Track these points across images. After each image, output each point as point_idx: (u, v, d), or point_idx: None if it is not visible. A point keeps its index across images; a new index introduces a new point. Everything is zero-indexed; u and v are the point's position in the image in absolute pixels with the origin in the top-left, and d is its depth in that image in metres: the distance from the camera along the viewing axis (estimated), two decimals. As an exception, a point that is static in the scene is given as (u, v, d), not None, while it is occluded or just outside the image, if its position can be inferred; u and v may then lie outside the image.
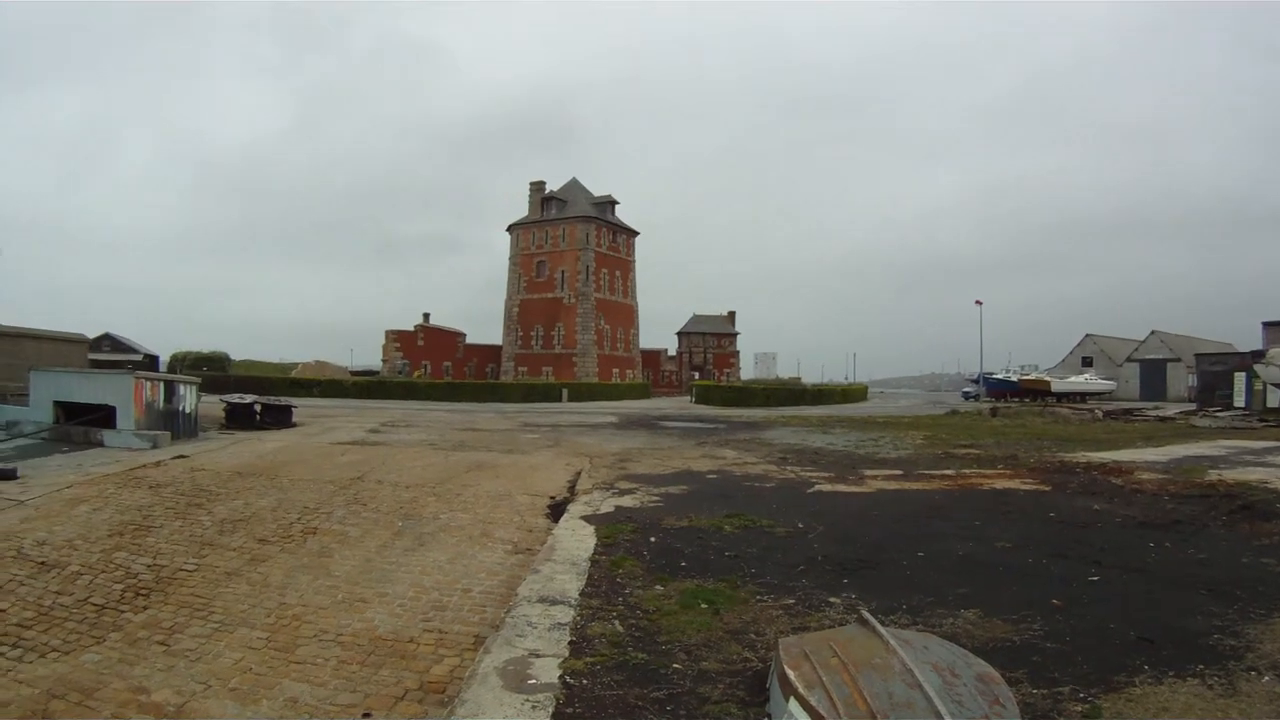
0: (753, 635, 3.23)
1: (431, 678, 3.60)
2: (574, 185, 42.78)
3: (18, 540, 5.74)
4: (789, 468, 8.72)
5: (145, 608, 4.69)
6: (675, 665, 2.92)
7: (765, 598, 3.74)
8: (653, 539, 5.13)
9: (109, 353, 37.15)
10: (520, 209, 42.17)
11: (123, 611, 4.62)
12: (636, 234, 43.32)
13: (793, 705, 2.08)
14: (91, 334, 24.63)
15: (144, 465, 9.15)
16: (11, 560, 5.32)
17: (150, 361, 36.09)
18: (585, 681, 2.77)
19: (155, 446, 10.92)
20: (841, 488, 7.01)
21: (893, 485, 7.04)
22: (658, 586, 3.99)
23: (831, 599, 3.68)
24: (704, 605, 3.61)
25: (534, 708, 2.54)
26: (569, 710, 2.51)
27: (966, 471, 7.85)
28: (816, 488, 7.06)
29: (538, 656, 3.05)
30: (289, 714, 3.31)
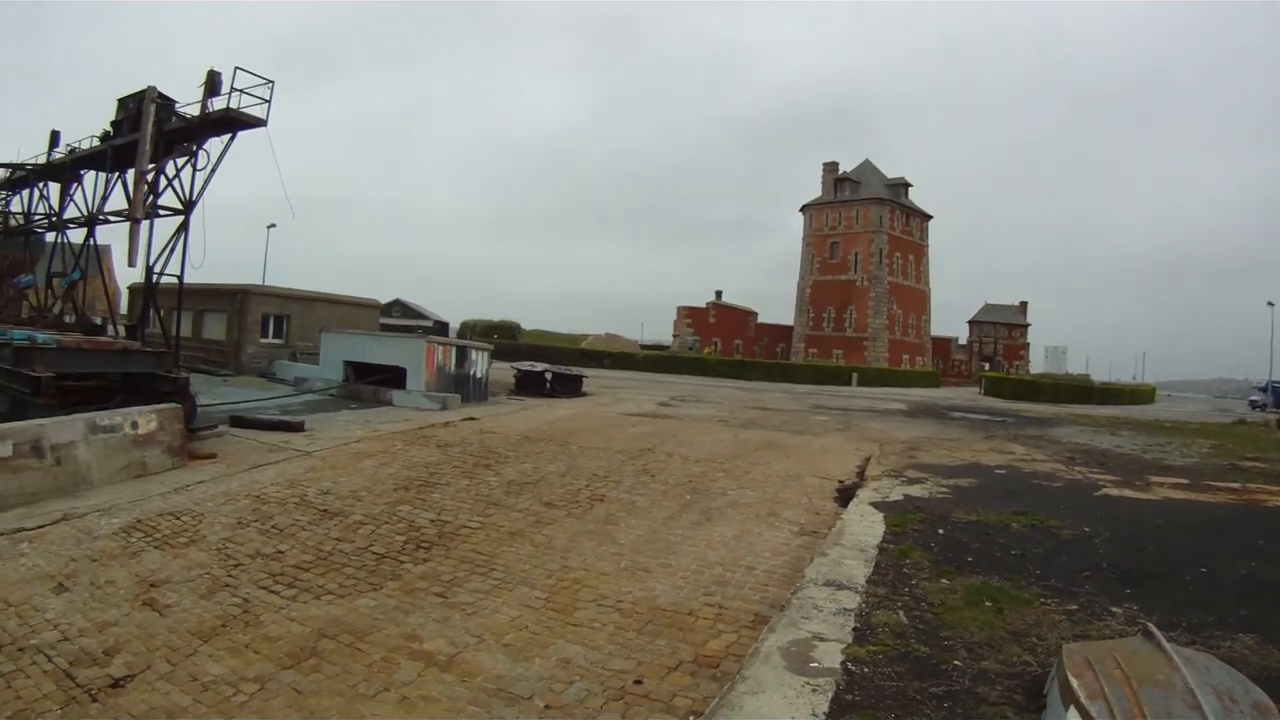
0: (1034, 639, 6.27)
1: (706, 651, 6.84)
2: (867, 167, 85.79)
3: (302, 488, 12.52)
4: (1076, 468, 16.31)
5: (425, 560, 9.48)
6: (955, 662, 5.72)
7: (1048, 601, 7.28)
8: (940, 531, 9.84)
9: (399, 317, 78.03)
10: (813, 195, 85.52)
11: (402, 562, 9.39)
12: (930, 218, 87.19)
13: (1072, 714, 4.16)
14: (384, 300, 45.52)
15: (432, 425, 19.03)
16: (295, 506, 11.55)
17: (440, 328, 73.71)
18: (866, 669, 5.49)
19: (444, 408, 22.80)
20: (1128, 492, 13.36)
21: (1178, 494, 13.37)
22: (943, 580, 7.73)
23: (1114, 609, 7.08)
24: (988, 603, 7.07)
25: (814, 691, 5.12)
26: (848, 697, 5.05)
27: (1252, 486, 14.64)
28: (1103, 490, 13.49)
29: (821, 640, 6.00)
30: (560, 674, 6.55)
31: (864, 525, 9.89)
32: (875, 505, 11.19)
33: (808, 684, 5.15)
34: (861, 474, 14.20)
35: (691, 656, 6.67)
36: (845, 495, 12.32)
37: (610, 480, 13.23)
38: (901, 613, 6.64)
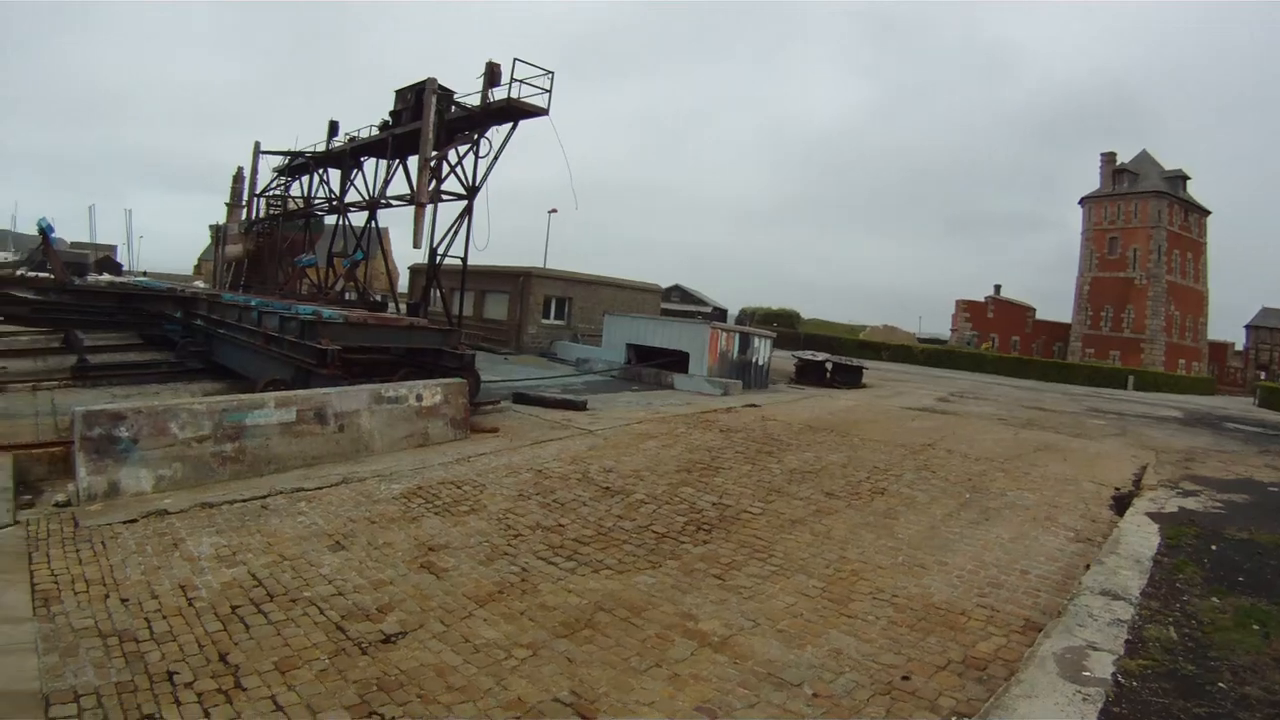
0: (1298, 667, 6.81)
1: (975, 653, 7.04)
2: (1144, 158, 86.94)
3: (584, 465, 13.18)
4: (1353, 490, 16.93)
5: (705, 542, 9.83)
6: (1220, 684, 5.91)
7: (1316, 630, 7.78)
8: (1213, 547, 9.99)
9: (678, 303, 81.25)
10: (1091, 189, 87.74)
11: (682, 542, 9.76)
12: (1208, 213, 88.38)
13: None
14: (664, 285, 47.49)
15: (714, 410, 19.05)
16: (576, 482, 12.16)
17: (719, 314, 77.84)
18: (1135, 684, 5.73)
19: (726, 394, 24.09)
20: None
21: None
22: (1214, 599, 7.94)
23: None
24: (1255, 626, 7.17)
25: (1084, 700, 5.42)
26: (1116, 710, 5.34)
27: None
28: (1384, 517, 13.97)
29: (1094, 649, 6.28)
30: (830, 663, 6.79)
31: (1139, 536, 10.19)
32: (1150, 516, 11.44)
33: (1079, 692, 5.46)
34: (1137, 482, 14.42)
35: (960, 657, 6.92)
36: (1121, 503, 12.57)
37: (891, 474, 13.69)
38: (1172, 629, 6.89)
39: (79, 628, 6.59)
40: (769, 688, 6.21)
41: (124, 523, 9.20)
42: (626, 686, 6.04)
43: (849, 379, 30.43)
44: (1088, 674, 5.71)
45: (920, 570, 9.01)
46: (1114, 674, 5.74)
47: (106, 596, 7.24)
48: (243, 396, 12.87)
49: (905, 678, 6.44)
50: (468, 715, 5.58)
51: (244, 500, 10.18)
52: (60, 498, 10.09)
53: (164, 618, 6.88)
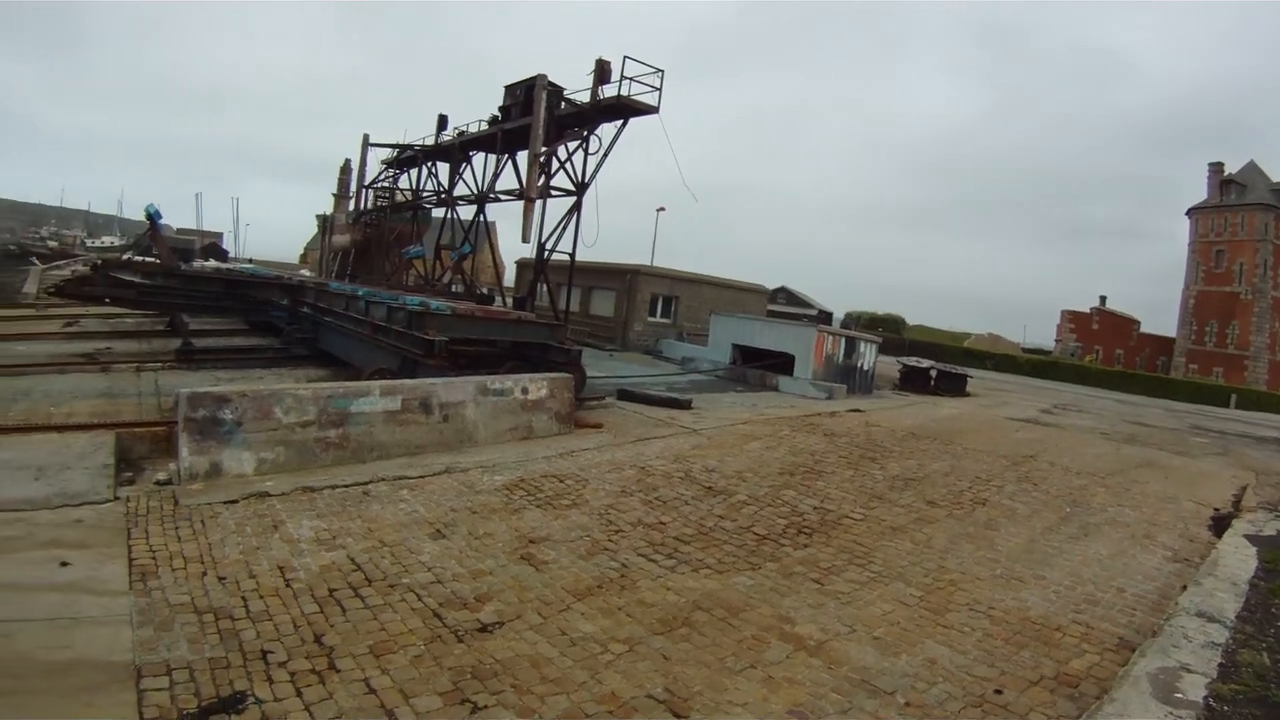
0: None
1: (1069, 670, 7.10)
2: (1251, 168, 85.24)
3: (687, 464, 13.25)
4: None
5: (805, 545, 9.90)
6: None
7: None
8: None
9: (784, 304, 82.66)
10: (1198, 200, 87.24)
11: (782, 545, 9.83)
12: None
13: None
14: (769, 286, 48.05)
15: (818, 414, 19.06)
16: (679, 480, 12.25)
17: (824, 317, 77.52)
18: (1226, 708, 5.68)
19: (830, 398, 24.02)
20: None
21: None
22: None
23: None
24: None
25: None
26: None
27: None
28: None
29: (1188, 671, 6.21)
30: (924, 673, 6.84)
31: (1237, 558, 10.06)
32: (1249, 538, 11.23)
33: (1171, 714, 5.49)
34: (1237, 503, 14.20)
35: (1053, 673, 6.99)
36: (1219, 524, 12.48)
37: (992, 484, 13.75)
38: (1265, 654, 6.79)
39: (175, 603, 6.88)
40: (862, 694, 6.30)
41: (224, 503, 9.54)
42: (720, 686, 6.12)
43: (953, 387, 29.87)
44: (1180, 695, 5.75)
45: (1018, 583, 9.12)
46: (1206, 697, 5.76)
47: (204, 574, 7.53)
48: (348, 384, 13.28)
49: (998, 691, 6.55)
50: (560, 707, 5.68)
51: (346, 486, 10.48)
52: (161, 476, 10.50)
53: (261, 597, 7.14)
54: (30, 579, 7.13)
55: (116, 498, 9.47)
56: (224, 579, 7.51)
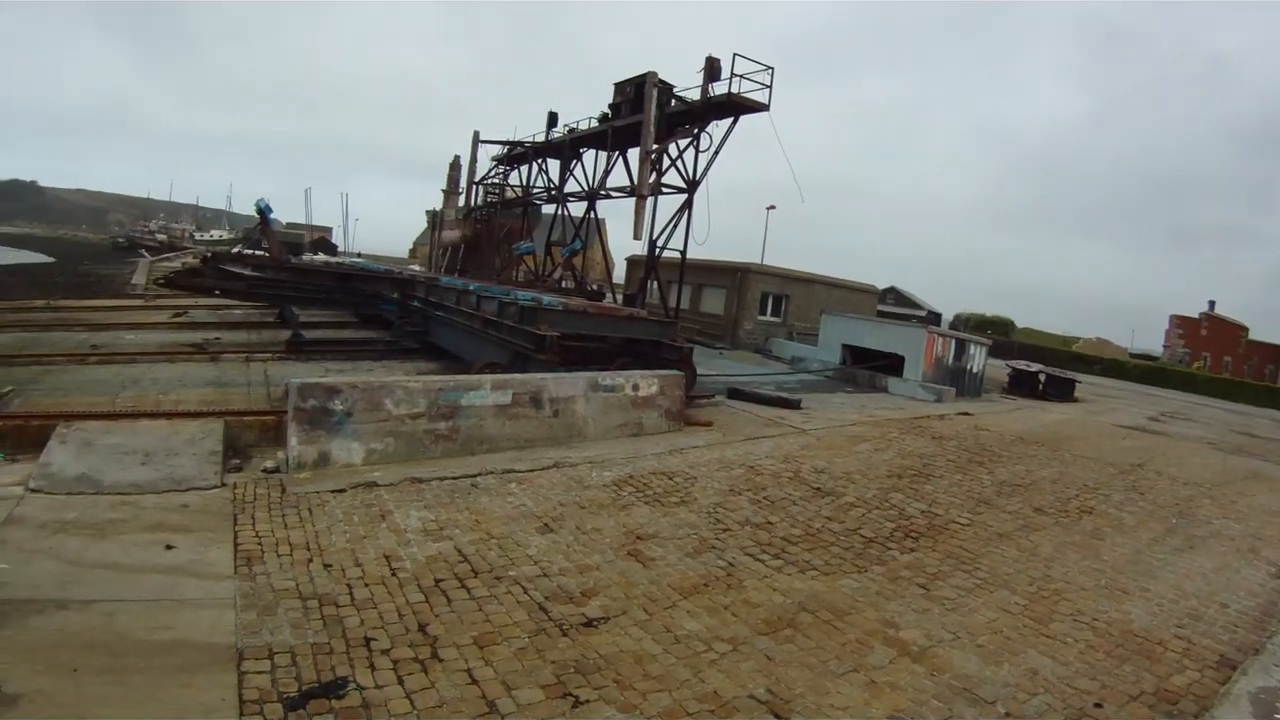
0: None
1: (1169, 685, 7.09)
2: None
3: (796, 464, 13.39)
4: None
5: (912, 550, 9.98)
6: None
7: None
8: None
9: (893, 305, 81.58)
10: None
11: (889, 549, 9.92)
12: None
13: None
14: (879, 286, 55.34)
15: (927, 416, 19.03)
16: (788, 481, 12.38)
17: (933, 318, 76.25)
18: None
19: (939, 400, 24.08)
20: None
21: None
22: None
23: None
24: None
25: None
26: None
27: None
28: None
29: None
30: (1026, 683, 6.88)
31: None
32: None
33: None
34: None
35: (1153, 688, 6.98)
36: None
37: (1099, 493, 13.73)
38: None
39: (279, 588, 7.18)
40: (963, 702, 6.38)
41: (332, 492, 9.88)
42: (822, 689, 6.23)
43: (1061, 392, 29.58)
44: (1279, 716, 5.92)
45: (1122, 595, 9.13)
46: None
47: (309, 561, 7.83)
48: (459, 377, 13.63)
49: (1098, 705, 6.55)
50: (662, 704, 5.83)
51: (454, 478, 10.77)
52: (269, 464, 10.93)
53: (366, 585, 7.40)
54: (134, 561, 7.52)
55: (223, 484, 9.94)
56: (329, 566, 7.79)
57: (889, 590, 8.50)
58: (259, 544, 8.14)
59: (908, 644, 7.26)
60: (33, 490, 9.07)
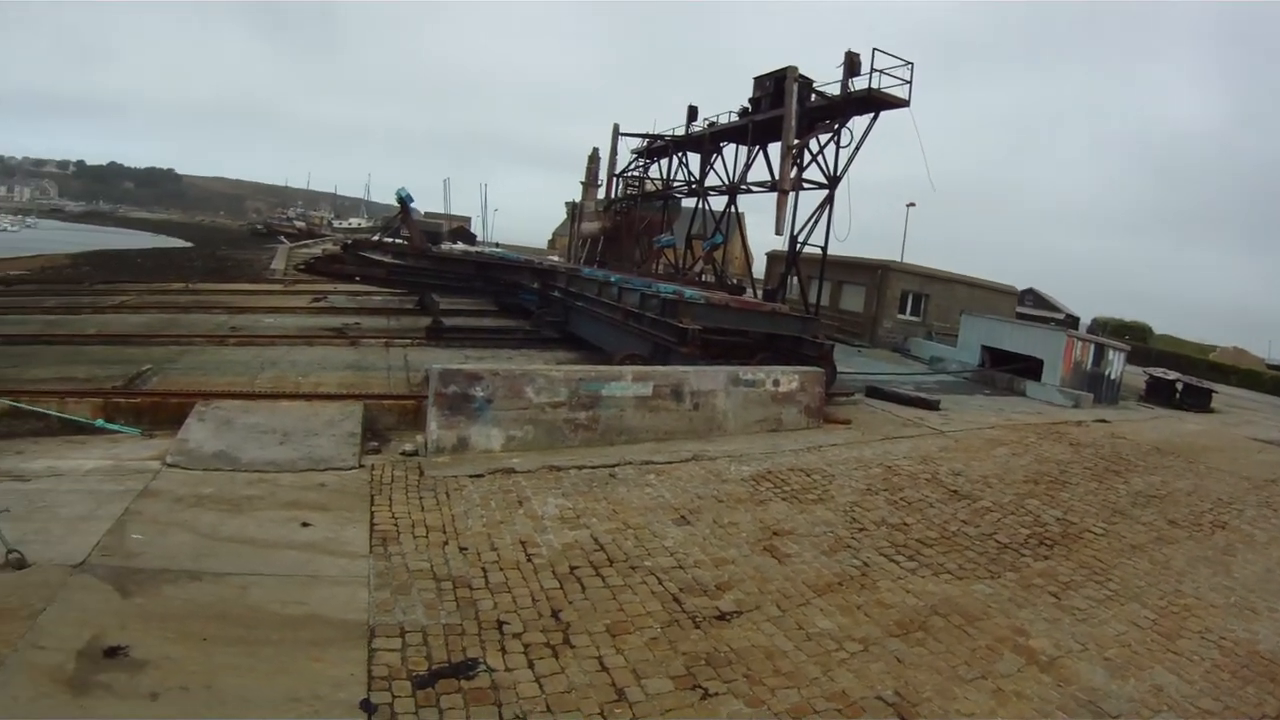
0: None
1: None
2: None
3: (934, 466, 13.44)
4: None
5: (1046, 557, 10.01)
6: None
7: None
8: None
9: (1031, 307, 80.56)
10: None
11: (1023, 555, 9.99)
12: None
13: None
14: (1017, 287, 53.29)
15: (1065, 422, 18.86)
16: (925, 483, 12.47)
17: (1071, 321, 75.17)
18: None
19: (1076, 406, 23.33)
20: None
21: None
22: None
23: None
24: None
25: None
26: None
27: None
28: None
29: None
30: (1150, 700, 6.95)
31: None
32: None
33: None
34: None
35: (1275, 712, 6.94)
36: None
37: (1233, 508, 13.43)
38: None
39: (414, 569, 7.58)
40: (1087, 715, 6.46)
41: (470, 476, 10.32)
42: (949, 694, 6.43)
43: (1198, 401, 28.58)
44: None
45: (1250, 614, 9.02)
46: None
47: (445, 544, 8.24)
48: (600, 368, 14.14)
49: None
50: (790, 701, 6.09)
51: (592, 467, 11.16)
52: (408, 447, 11.45)
53: (501, 570, 7.77)
54: (270, 536, 7.99)
55: (361, 465, 10.47)
56: (465, 550, 8.17)
57: (1021, 597, 8.59)
58: (395, 525, 8.62)
59: (1037, 653, 7.38)
60: (169, 465, 9.73)
